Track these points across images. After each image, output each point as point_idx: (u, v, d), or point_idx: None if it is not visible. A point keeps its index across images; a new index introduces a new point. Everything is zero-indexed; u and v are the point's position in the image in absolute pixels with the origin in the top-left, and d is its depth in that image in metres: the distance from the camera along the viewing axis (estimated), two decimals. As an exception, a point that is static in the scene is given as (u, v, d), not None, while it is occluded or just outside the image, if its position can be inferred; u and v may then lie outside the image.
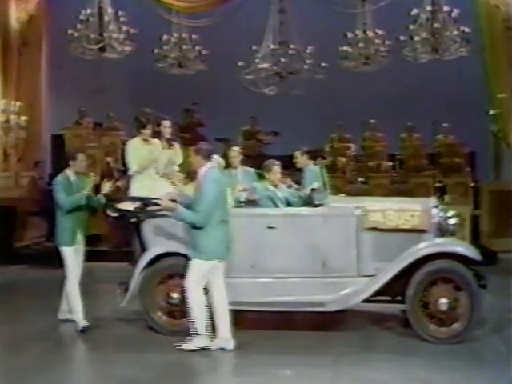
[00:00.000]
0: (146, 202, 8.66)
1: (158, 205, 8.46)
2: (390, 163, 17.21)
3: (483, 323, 8.44)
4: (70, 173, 8.85)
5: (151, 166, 9.10)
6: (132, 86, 18.38)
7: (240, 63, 16.51)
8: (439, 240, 8.32)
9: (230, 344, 7.83)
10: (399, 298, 8.37)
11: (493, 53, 15.09)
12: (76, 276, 8.80)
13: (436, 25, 15.48)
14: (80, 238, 8.83)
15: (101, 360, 7.80)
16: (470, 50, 15.22)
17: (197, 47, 17.62)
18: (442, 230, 8.41)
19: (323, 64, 16.62)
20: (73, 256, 8.73)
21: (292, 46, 17.06)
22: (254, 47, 16.74)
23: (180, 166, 9.53)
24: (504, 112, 15.13)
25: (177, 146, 9.60)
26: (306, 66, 16.89)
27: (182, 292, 8.14)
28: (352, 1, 16.83)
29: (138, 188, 9.01)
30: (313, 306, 8.33)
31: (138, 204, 8.66)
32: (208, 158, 7.98)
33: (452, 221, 8.50)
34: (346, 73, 16.95)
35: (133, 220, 8.74)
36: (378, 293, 8.25)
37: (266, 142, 17.78)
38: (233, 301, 8.17)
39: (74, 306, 8.76)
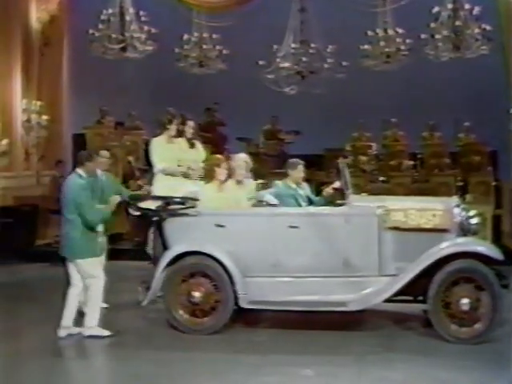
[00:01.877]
0: (168, 200, 8.67)
1: (180, 204, 8.53)
2: (411, 162, 17.18)
3: (505, 323, 8.30)
4: (83, 173, 8.62)
5: (175, 165, 9.14)
6: (153, 86, 18.39)
7: (261, 62, 16.50)
8: (461, 240, 8.28)
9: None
10: (421, 297, 8.33)
11: (515, 50, 14.98)
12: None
13: (457, 23, 15.40)
14: None
15: (121, 358, 7.83)
16: (491, 48, 15.13)
17: (217, 47, 17.64)
18: (464, 230, 8.37)
19: (344, 63, 16.59)
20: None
21: (313, 45, 17.03)
22: (275, 46, 16.74)
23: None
24: (525, 110, 15.02)
25: (199, 145, 9.64)
26: (326, 65, 16.86)
27: (204, 290, 8.21)
28: (373, -1, 16.78)
29: (160, 187, 9.08)
30: (334, 305, 8.32)
31: (160, 203, 8.67)
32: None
33: (474, 220, 8.46)
34: (367, 72, 16.87)
35: (155, 219, 8.75)
36: (400, 292, 8.22)
37: (288, 141, 17.83)
38: (254, 300, 8.23)
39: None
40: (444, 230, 8.29)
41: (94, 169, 8.88)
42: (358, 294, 8.24)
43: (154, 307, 8.91)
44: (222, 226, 8.51)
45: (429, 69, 16.68)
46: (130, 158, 15.92)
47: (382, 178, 16.59)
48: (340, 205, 8.61)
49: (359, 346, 7.99)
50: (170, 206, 8.67)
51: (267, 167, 16.41)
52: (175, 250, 8.55)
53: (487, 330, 7.96)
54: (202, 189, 8.84)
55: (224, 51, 17.59)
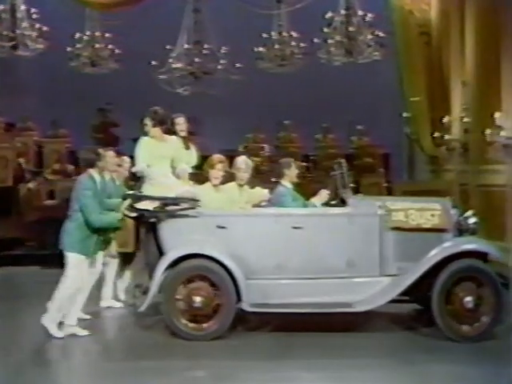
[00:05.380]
0: (166, 201, 8.28)
1: (177, 204, 8.22)
2: (304, 164, 17.39)
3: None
4: (95, 174, 8.24)
5: (162, 164, 8.61)
6: (46, 85, 17.89)
7: (154, 63, 16.39)
8: (464, 239, 8.43)
9: None
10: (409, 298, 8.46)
11: (407, 57, 15.38)
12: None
13: (350, 28, 15.70)
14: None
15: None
16: (385, 53, 15.52)
17: (110, 46, 17.36)
18: (461, 230, 8.52)
19: (238, 64, 16.66)
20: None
21: (206, 46, 17.06)
22: (168, 46, 16.63)
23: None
24: (417, 115, 15.46)
25: (193, 147, 9.19)
26: (220, 67, 16.90)
27: (206, 295, 8.02)
28: (268, 2, 16.88)
29: (150, 186, 8.56)
30: (340, 306, 8.25)
31: (157, 203, 8.26)
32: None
33: (472, 220, 8.59)
34: (264, 74, 17.02)
35: (152, 220, 8.32)
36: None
37: (181, 142, 17.69)
38: (257, 303, 8.10)
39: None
40: (442, 230, 8.40)
41: (105, 169, 8.54)
42: (362, 294, 8.21)
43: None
44: (223, 228, 8.27)
45: (325, 72, 16.91)
46: (21, 160, 15.52)
47: (274, 179, 16.71)
48: (335, 205, 8.66)
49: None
50: (169, 207, 8.27)
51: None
52: (176, 252, 8.15)
53: (490, 327, 8.06)
54: (199, 190, 8.50)
55: (117, 51, 17.31)
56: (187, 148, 9.08)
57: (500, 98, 12.60)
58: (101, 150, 8.47)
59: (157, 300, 8.23)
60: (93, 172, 8.21)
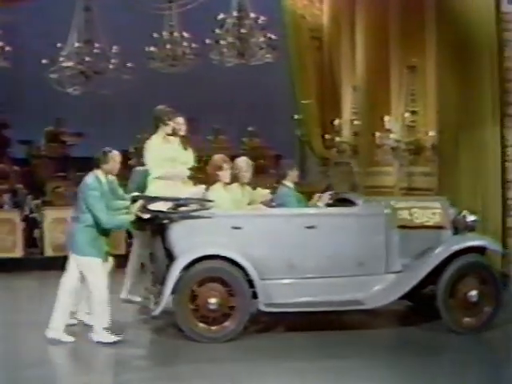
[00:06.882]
0: (180, 202, 8.16)
1: (193, 205, 8.14)
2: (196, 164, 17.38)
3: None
4: (101, 175, 8.07)
5: (171, 168, 8.62)
6: None
7: (44, 61, 16.00)
8: (469, 235, 8.77)
9: None
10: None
11: (299, 60, 15.70)
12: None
13: (242, 30, 15.77)
14: None
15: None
16: (277, 56, 15.67)
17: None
18: (459, 227, 8.84)
19: (129, 64, 16.49)
20: None
21: (97, 45, 16.76)
22: (58, 45, 16.29)
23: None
24: (308, 117, 15.82)
25: (189, 148, 9.11)
26: (111, 66, 16.68)
27: (220, 296, 7.96)
28: (159, 2, 16.79)
29: (156, 189, 8.51)
30: (352, 304, 8.41)
31: (170, 204, 8.12)
32: None
33: (472, 217, 8.91)
34: (157, 74, 16.94)
35: (165, 221, 8.15)
36: None
37: (70, 143, 17.39)
38: (272, 303, 8.12)
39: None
40: (442, 227, 8.75)
41: (111, 171, 8.28)
42: (370, 292, 8.42)
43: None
44: (238, 228, 8.22)
45: (217, 73, 16.94)
46: None
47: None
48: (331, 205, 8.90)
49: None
50: (183, 208, 8.15)
51: (50, 170, 16.03)
52: (192, 253, 8.02)
53: (492, 318, 8.43)
54: (210, 191, 8.46)
55: (7, 48, 16.79)
56: (185, 148, 9.03)
57: (389, 102, 13.07)
58: (108, 151, 8.27)
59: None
60: (98, 173, 8.07)
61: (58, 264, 12.21)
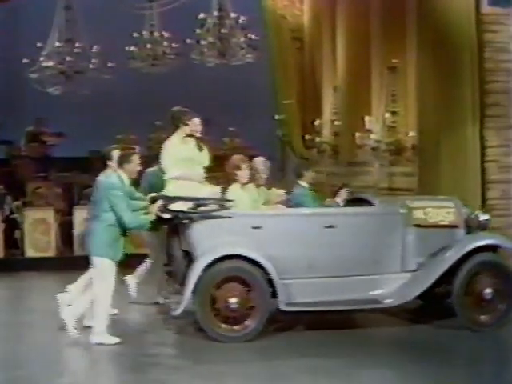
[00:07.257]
0: (199, 202, 8.17)
1: (213, 205, 8.17)
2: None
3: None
4: (123, 175, 8.07)
5: (188, 169, 8.58)
6: None
7: (25, 61, 15.93)
8: (483, 234, 8.92)
9: None
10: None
11: (280, 61, 15.72)
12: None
13: (223, 30, 15.80)
14: None
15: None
16: (258, 56, 15.70)
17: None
18: (472, 226, 8.96)
19: (110, 64, 16.45)
20: None
21: (78, 45, 16.69)
22: (39, 44, 16.23)
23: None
24: (289, 117, 15.85)
25: (205, 148, 9.02)
26: (92, 66, 16.63)
27: (240, 296, 7.98)
28: (140, 1, 16.76)
29: (174, 188, 8.46)
30: (371, 303, 8.52)
31: (190, 204, 8.12)
32: None
33: (485, 216, 9.06)
34: (138, 73, 16.91)
35: (185, 221, 8.17)
36: None
37: (50, 143, 17.30)
38: (292, 302, 8.19)
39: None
40: (456, 227, 8.87)
41: (132, 172, 8.26)
42: (388, 290, 8.53)
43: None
44: (258, 228, 8.24)
45: (200, 73, 16.92)
46: None
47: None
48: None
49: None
50: (203, 208, 8.15)
51: (30, 170, 15.95)
52: (214, 253, 8.03)
53: (506, 316, 8.58)
54: (230, 191, 8.46)
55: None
56: (200, 149, 8.95)
57: (370, 102, 13.11)
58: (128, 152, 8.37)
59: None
60: (120, 173, 8.07)
61: (39, 265, 12.35)
